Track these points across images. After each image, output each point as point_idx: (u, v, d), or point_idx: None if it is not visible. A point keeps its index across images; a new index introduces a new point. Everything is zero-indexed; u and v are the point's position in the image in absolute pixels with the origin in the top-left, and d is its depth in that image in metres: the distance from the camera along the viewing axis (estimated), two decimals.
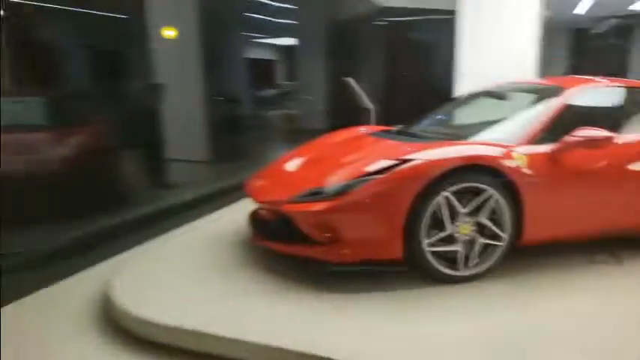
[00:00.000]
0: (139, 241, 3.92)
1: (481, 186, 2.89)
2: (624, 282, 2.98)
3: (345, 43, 10.75)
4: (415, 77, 10.27)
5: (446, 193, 2.84)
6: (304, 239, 2.96)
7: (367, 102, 5.58)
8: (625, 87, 3.70)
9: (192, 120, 7.63)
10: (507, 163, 2.92)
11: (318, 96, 11.81)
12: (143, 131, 6.18)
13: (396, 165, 2.87)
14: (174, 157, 6.83)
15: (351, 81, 5.55)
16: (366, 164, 3.02)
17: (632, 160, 3.22)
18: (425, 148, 3.01)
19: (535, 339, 2.39)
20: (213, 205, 4.86)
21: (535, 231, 3.04)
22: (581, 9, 14.13)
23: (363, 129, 4.34)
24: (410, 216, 2.81)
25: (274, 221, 3.34)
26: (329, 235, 2.87)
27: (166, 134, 6.75)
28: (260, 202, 3.28)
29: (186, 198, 5.36)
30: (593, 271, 3.11)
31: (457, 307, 2.72)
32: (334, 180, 3.00)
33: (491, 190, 2.90)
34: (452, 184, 2.85)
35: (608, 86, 3.54)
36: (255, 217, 3.60)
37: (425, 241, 2.85)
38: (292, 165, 3.69)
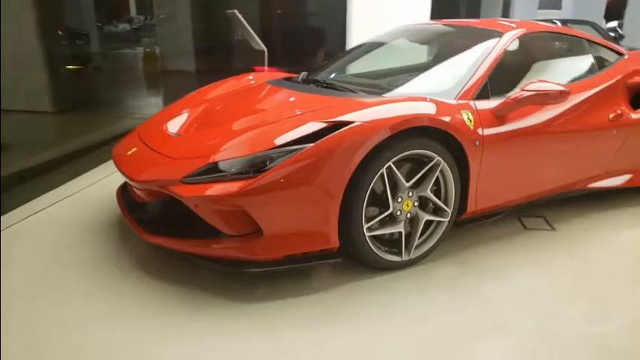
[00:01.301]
0: None
1: (428, 153, 2.34)
2: (563, 247, 2.73)
3: None
4: (295, 15, 9.41)
5: (389, 164, 2.25)
6: (207, 232, 2.17)
7: (259, 42, 4.68)
8: (556, 33, 3.37)
9: (26, 59, 5.97)
10: (454, 123, 2.39)
11: (185, 32, 10.35)
12: None
13: (328, 129, 2.17)
14: (7, 108, 5.29)
15: (237, 14, 4.57)
16: (284, 128, 2.27)
17: (582, 113, 2.92)
18: (357, 106, 2.35)
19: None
20: (62, 174, 3.70)
21: (481, 201, 2.62)
22: None
23: (254, 76, 3.53)
24: (348, 195, 2.17)
25: (157, 205, 2.48)
26: (243, 226, 2.12)
27: None
28: (137, 181, 2.37)
29: (23, 165, 3.97)
30: (532, 239, 2.82)
31: (401, 303, 2.20)
32: (239, 150, 2.22)
33: (437, 158, 2.37)
34: (395, 152, 2.25)
35: (539, 31, 3.16)
36: (127, 197, 2.68)
37: (365, 225, 2.25)
38: (174, 126, 2.79)
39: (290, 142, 2.15)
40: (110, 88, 8.70)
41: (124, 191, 2.78)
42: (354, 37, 5.42)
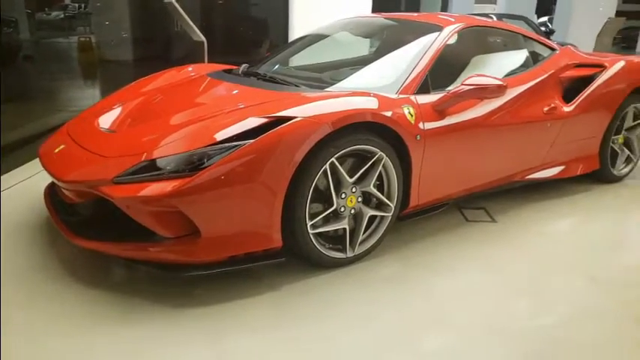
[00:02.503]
0: None
1: (371, 148, 2.32)
2: (503, 238, 2.80)
3: None
4: (238, 5, 9.19)
5: (332, 160, 2.21)
6: (142, 234, 2.05)
7: (197, 33, 4.50)
8: (493, 28, 3.44)
9: None
10: (396, 117, 2.39)
11: (122, 21, 9.89)
12: None
13: (268, 125, 2.10)
14: None
15: (175, 4, 4.37)
16: (223, 123, 2.18)
17: (519, 107, 2.98)
18: (299, 101, 2.29)
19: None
20: None
21: (424, 195, 2.64)
22: None
23: (194, 68, 3.40)
24: (290, 192, 2.11)
25: (88, 207, 2.32)
26: (180, 227, 2.02)
27: None
28: (64, 181, 2.21)
29: None
30: (474, 231, 2.88)
31: (346, 302, 2.17)
32: (176, 147, 2.11)
33: (379, 153, 2.35)
34: (338, 148, 2.22)
35: (478, 25, 3.22)
36: (56, 198, 2.51)
37: (309, 222, 2.21)
38: (107, 121, 2.63)
39: (229, 137, 2.07)
40: (42, 79, 8.19)
41: (52, 191, 2.60)
42: (297, 29, 5.35)
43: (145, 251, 2.07)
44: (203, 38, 4.52)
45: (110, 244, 2.12)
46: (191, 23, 4.49)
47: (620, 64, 3.49)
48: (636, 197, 3.53)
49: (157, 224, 2.00)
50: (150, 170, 2.04)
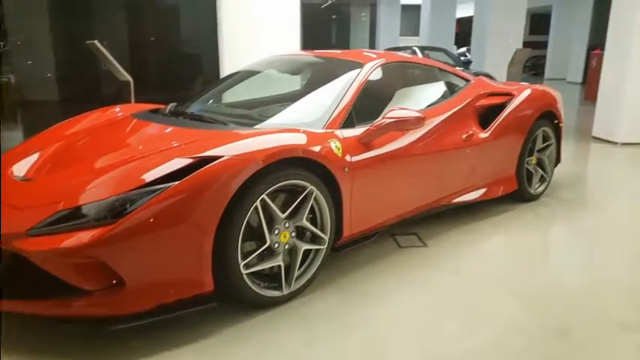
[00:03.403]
0: None
1: (302, 182, 2.35)
2: (435, 262, 2.89)
3: None
4: (168, 44, 9.11)
5: (262, 197, 2.21)
6: (62, 289, 1.93)
7: (123, 72, 4.39)
8: (412, 63, 3.63)
9: None
10: (324, 152, 2.44)
11: (46, 60, 9.49)
12: None
13: (195, 165, 2.07)
14: None
15: (98, 45, 4.26)
16: (148, 166, 2.13)
17: (439, 135, 3.13)
18: (226, 139, 2.28)
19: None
20: None
21: (356, 224, 2.69)
22: None
23: (121, 109, 3.31)
24: (221, 232, 2.08)
25: (4, 263, 2.16)
26: (103, 278, 1.92)
27: None
28: None
29: None
30: (407, 257, 2.95)
31: (284, 343, 2.14)
32: (97, 193, 2.03)
33: (310, 187, 2.38)
34: (268, 184, 2.22)
35: (397, 61, 3.39)
36: None
37: (242, 263, 2.17)
38: (22, 168, 2.49)
39: (154, 180, 2.02)
40: None
41: None
42: (227, 65, 5.37)
43: (68, 307, 1.94)
44: (129, 78, 4.42)
45: (28, 302, 1.97)
46: (116, 63, 4.39)
47: (527, 92, 3.78)
48: (553, 215, 3.78)
49: (77, 277, 1.90)
50: (69, 219, 1.95)
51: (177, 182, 1.99)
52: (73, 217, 1.95)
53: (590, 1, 15.37)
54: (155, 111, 3.24)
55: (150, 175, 2.04)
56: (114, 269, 1.88)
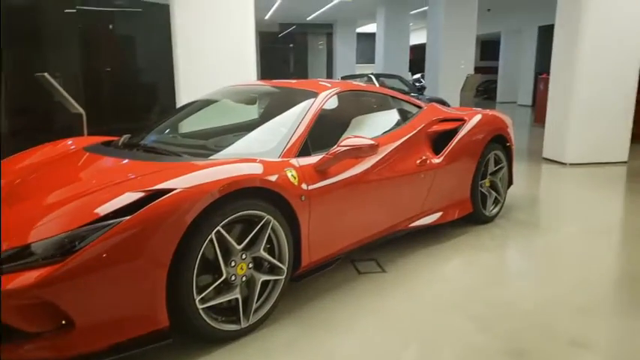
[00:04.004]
0: None
1: (258, 212, 2.34)
2: (394, 288, 2.91)
3: (23, 29, 8.57)
4: (124, 75, 9.00)
5: (217, 228, 2.18)
6: (9, 334, 1.84)
7: (75, 105, 4.29)
8: (365, 91, 3.72)
9: None
10: (280, 181, 2.45)
11: None
12: None
13: (147, 199, 2.03)
14: None
15: (48, 77, 4.16)
16: (99, 201, 2.07)
17: (394, 162, 3.19)
18: (179, 171, 2.25)
19: None
20: None
21: (314, 253, 2.69)
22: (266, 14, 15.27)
23: (73, 142, 3.24)
24: (175, 267, 2.04)
25: None
26: (51, 320, 1.84)
27: None
28: None
29: None
30: (366, 283, 2.96)
31: None
32: (46, 230, 1.96)
33: (266, 217, 2.38)
34: (224, 216, 2.20)
35: (351, 90, 3.46)
36: None
37: (197, 297, 2.13)
38: None
39: (105, 216, 1.96)
40: None
41: None
42: (183, 95, 5.34)
43: (15, 352, 1.84)
44: (81, 110, 4.33)
45: None
46: (66, 95, 4.30)
47: (478, 117, 3.93)
48: (507, 236, 3.89)
49: (24, 319, 1.81)
50: (17, 258, 1.87)
51: (128, 217, 1.95)
52: (21, 256, 1.87)
53: (535, 28, 16.23)
54: (108, 143, 3.18)
55: (101, 211, 1.99)
56: (62, 309, 1.81)
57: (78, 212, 2.03)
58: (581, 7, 6.19)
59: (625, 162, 6.62)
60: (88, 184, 2.33)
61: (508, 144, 4.16)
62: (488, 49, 22.19)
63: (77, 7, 8.36)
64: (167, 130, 3.43)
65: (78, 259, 1.83)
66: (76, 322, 1.84)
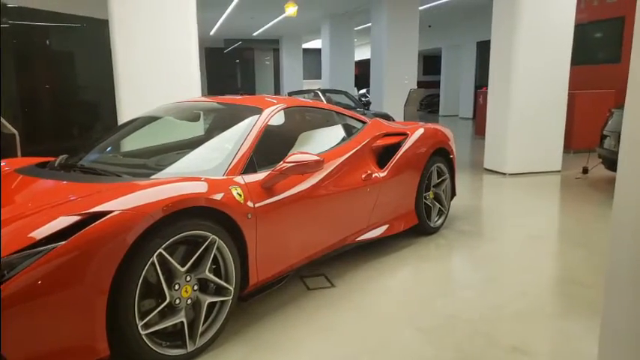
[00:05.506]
0: None
1: (202, 232, 2.29)
2: (343, 302, 2.92)
3: None
4: (63, 92, 8.63)
5: (159, 251, 2.11)
6: None
7: (7, 125, 4.07)
8: (309, 107, 3.75)
9: None
10: (225, 199, 2.41)
11: None
12: None
13: (83, 222, 1.95)
14: None
15: None
16: (31, 226, 1.96)
17: (339, 177, 3.22)
18: (118, 192, 2.17)
19: None
20: None
21: (262, 271, 2.65)
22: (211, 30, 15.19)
23: (7, 163, 3.08)
24: (114, 293, 1.95)
25: None
26: None
27: None
28: None
29: None
30: (315, 299, 2.95)
31: None
32: None
33: (211, 236, 2.33)
34: (165, 238, 2.14)
35: (296, 106, 3.48)
36: None
37: (140, 322, 2.05)
38: None
39: (37, 242, 1.86)
40: None
41: None
42: (125, 112, 5.18)
43: None
44: (14, 131, 4.11)
45: None
46: None
47: (420, 131, 4.04)
48: (451, 246, 4.00)
49: None
50: None
51: (63, 242, 1.85)
52: None
53: (473, 44, 16.99)
54: (43, 165, 3.03)
55: (33, 236, 1.89)
56: None
57: (8, 239, 1.91)
58: (515, 22, 6.52)
59: (559, 171, 7.00)
60: (20, 209, 2.20)
61: (450, 156, 4.30)
62: (431, 64, 23.02)
63: (10, 21, 7.98)
64: (107, 150, 3.31)
65: (7, 290, 1.72)
66: (7, 357, 1.72)
